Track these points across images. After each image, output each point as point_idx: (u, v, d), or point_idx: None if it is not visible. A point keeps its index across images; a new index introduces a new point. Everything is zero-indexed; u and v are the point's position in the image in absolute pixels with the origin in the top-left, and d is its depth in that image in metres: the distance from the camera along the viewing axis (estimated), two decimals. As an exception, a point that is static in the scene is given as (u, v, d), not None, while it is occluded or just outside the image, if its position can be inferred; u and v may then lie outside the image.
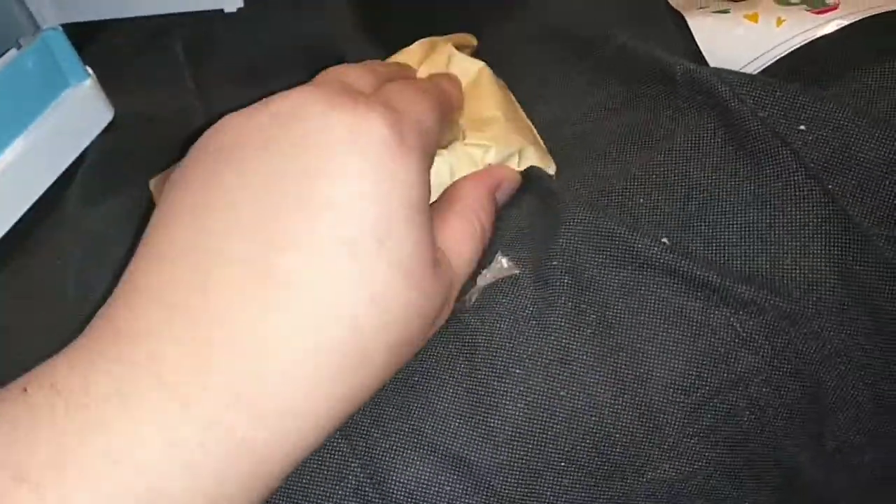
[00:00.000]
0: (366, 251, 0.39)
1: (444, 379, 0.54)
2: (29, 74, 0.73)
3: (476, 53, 0.74)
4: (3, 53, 0.72)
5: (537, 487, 0.51)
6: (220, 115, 0.70)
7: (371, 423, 0.54)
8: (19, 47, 0.73)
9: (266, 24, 0.89)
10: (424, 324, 0.46)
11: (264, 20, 0.89)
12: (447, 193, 0.48)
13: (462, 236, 0.46)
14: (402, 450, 0.53)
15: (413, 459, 0.52)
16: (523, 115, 0.66)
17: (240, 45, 0.88)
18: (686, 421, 0.52)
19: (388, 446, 0.53)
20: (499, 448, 0.51)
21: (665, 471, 0.52)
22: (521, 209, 0.59)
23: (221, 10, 0.88)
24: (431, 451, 0.52)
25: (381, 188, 0.39)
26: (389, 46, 0.85)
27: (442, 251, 0.43)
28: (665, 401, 0.52)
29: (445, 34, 0.78)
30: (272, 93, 0.83)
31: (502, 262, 0.56)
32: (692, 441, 0.52)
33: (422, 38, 0.81)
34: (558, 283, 0.54)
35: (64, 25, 0.75)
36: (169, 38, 0.85)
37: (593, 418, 0.51)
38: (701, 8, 0.68)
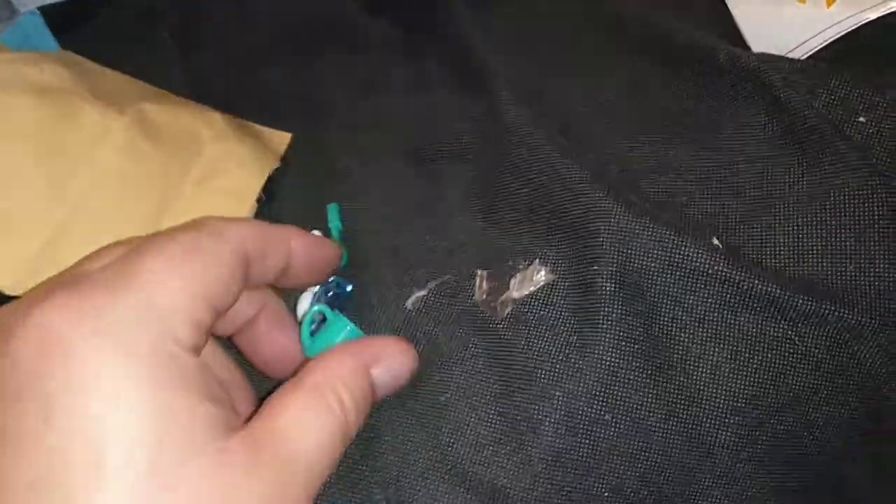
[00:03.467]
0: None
1: (476, 400, 0.49)
2: (4, 60, 0.67)
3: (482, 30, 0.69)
4: (-22, 39, 0.67)
5: (579, 519, 0.47)
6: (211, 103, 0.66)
7: (394, 447, 0.49)
8: (-6, 32, 0.67)
9: (257, 5, 0.83)
10: None
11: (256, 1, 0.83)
12: (305, 365, 0.41)
13: (307, 416, 0.36)
14: (429, 478, 0.48)
15: (442, 489, 0.48)
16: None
17: (231, 29, 0.82)
18: (740, 445, 0.47)
19: (414, 474, 0.48)
20: (537, 477, 0.47)
21: (716, 499, 0.47)
22: (541, 196, 0.54)
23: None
24: (462, 479, 0.48)
25: None
26: (396, 21, 0.79)
27: (272, 430, 0.36)
28: (717, 424, 0.47)
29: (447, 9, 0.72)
30: (264, 82, 0.78)
31: (538, 269, 0.51)
32: (747, 466, 0.47)
33: (424, 9, 0.75)
34: (601, 292, 0.49)
35: (43, 10, 0.69)
36: (155, 23, 0.78)
37: (640, 444, 0.47)
38: (741, -15, 0.63)
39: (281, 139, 0.70)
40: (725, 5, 0.62)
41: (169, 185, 0.59)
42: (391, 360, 0.44)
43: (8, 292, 0.53)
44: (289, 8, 0.81)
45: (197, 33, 0.80)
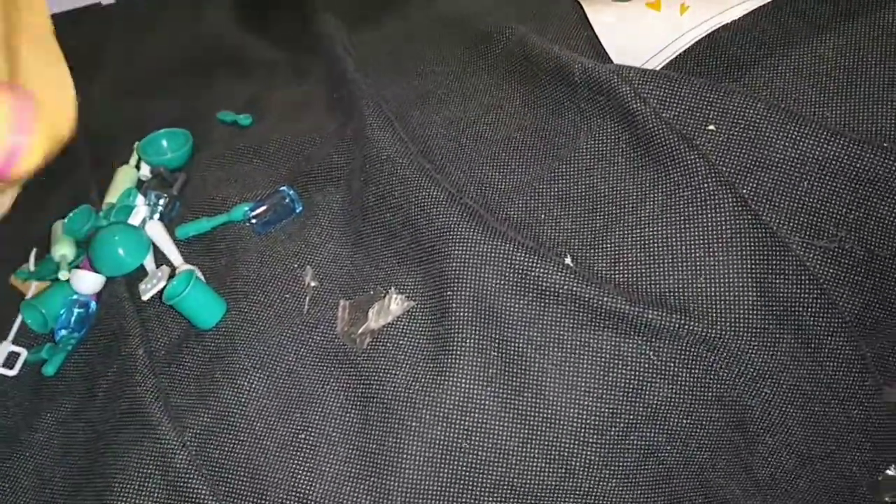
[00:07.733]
0: None
1: (335, 436, 0.48)
2: None
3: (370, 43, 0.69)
4: None
5: (443, 550, 0.46)
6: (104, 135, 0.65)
7: (251, 488, 0.48)
8: None
9: (154, 32, 0.83)
10: None
11: (152, 28, 0.83)
12: None
13: None
14: (290, 519, 0.47)
15: (303, 529, 0.47)
16: None
17: (127, 57, 0.82)
18: (601, 463, 0.47)
19: (274, 516, 0.47)
20: (398, 511, 0.46)
21: (583, 518, 0.47)
22: (394, 215, 0.54)
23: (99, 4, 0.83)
24: (323, 518, 0.47)
25: None
26: (281, 41, 0.79)
27: None
28: (577, 443, 0.47)
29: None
30: (156, 111, 0.77)
31: (394, 297, 0.51)
32: (610, 484, 0.47)
33: (307, 30, 0.75)
34: (455, 317, 0.48)
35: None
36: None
37: (500, 469, 0.46)
38: (600, -4, 0.63)
39: None
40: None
41: None
42: None
43: None
44: (181, 36, 0.81)
45: (96, 64, 0.80)
